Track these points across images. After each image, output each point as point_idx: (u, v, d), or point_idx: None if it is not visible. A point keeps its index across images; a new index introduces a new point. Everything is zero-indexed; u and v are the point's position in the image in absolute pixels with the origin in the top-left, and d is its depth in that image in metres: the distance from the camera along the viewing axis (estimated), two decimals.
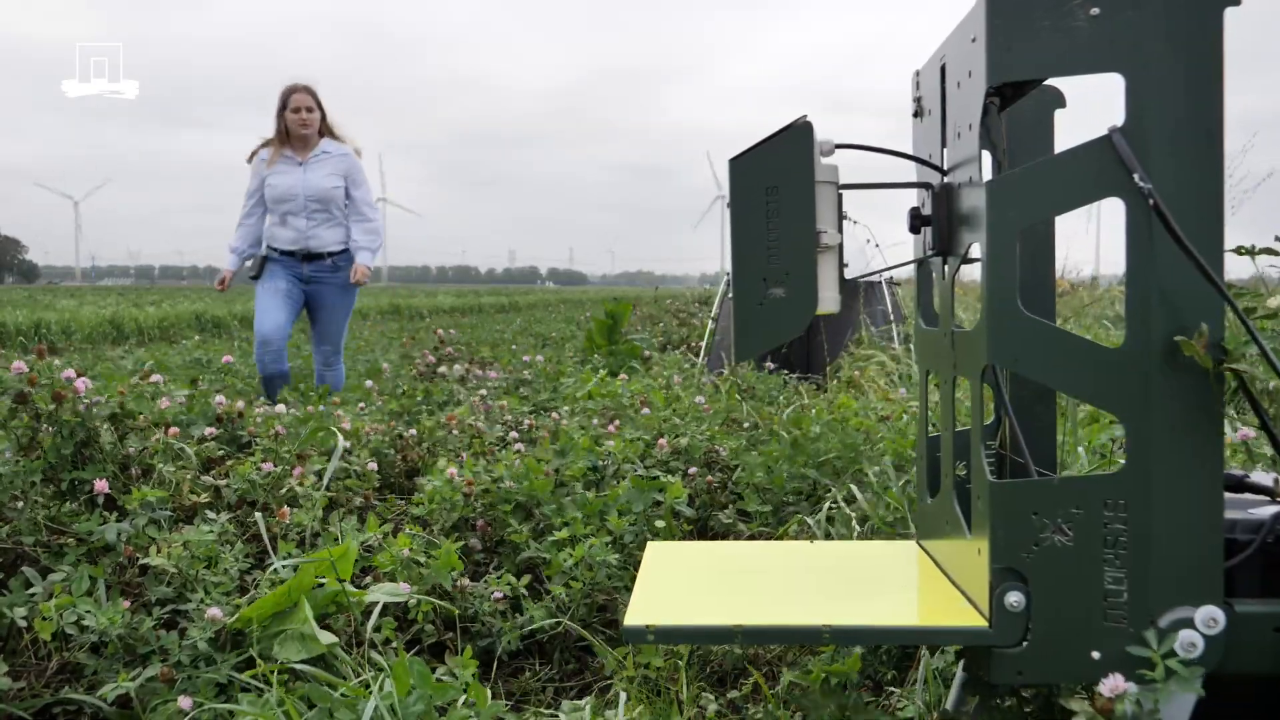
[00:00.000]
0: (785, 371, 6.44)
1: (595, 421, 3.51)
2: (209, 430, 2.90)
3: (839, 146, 1.44)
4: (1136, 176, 1.16)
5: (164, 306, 19.92)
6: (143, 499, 2.22)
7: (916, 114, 1.62)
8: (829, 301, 1.41)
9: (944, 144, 1.47)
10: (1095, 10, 1.19)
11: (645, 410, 3.76)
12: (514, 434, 3.41)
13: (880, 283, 6.79)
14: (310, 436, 2.99)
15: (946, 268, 1.45)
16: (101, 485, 2.24)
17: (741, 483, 2.91)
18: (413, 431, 3.29)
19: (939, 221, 1.44)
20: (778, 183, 1.39)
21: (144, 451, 2.55)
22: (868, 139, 1.93)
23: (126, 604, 1.88)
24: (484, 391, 3.75)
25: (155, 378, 3.10)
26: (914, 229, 1.51)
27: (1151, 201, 1.15)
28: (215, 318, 17.22)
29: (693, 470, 3.08)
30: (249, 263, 5.04)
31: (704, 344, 6.90)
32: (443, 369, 4.31)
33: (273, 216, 5.04)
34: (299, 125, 4.94)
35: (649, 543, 1.76)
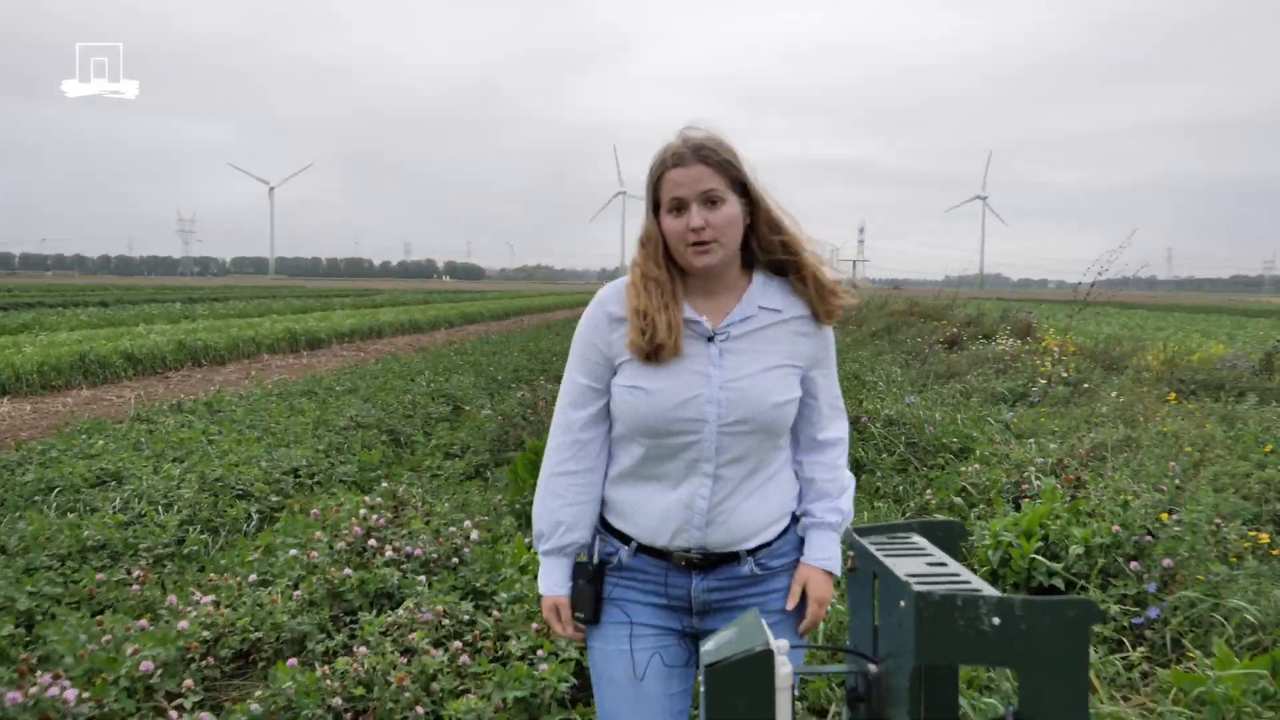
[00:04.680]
0: None
1: (535, 626, 3.79)
2: None
3: (795, 646, 1.76)
4: None
5: (40, 342, 18.28)
6: None
7: (852, 570, 1.96)
8: None
9: (875, 636, 1.81)
10: (996, 620, 1.54)
11: None
12: (457, 644, 3.64)
13: None
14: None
15: None
16: None
17: None
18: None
19: (872, 704, 1.78)
20: (746, 692, 1.70)
21: None
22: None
23: None
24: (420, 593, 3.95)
25: None
26: (851, 706, 1.84)
27: None
28: (100, 356, 16.25)
29: None
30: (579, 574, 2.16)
31: None
32: (373, 541, 4.49)
33: (629, 454, 2.13)
34: (694, 250, 2.01)
35: None
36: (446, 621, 3.67)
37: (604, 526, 2.20)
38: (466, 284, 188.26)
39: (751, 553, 2.14)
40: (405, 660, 3.26)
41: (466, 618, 3.83)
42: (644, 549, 2.14)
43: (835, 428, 2.22)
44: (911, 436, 7.69)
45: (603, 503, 2.20)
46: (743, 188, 2.05)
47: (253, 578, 4.10)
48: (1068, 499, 5.07)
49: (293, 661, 3.21)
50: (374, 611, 3.90)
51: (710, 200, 2.00)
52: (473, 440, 8.71)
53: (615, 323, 2.11)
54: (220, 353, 18.99)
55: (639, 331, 2.02)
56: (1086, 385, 9.66)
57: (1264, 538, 4.26)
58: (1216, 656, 3.08)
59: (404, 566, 4.27)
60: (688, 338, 2.07)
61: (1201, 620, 3.67)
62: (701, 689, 1.72)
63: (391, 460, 8.30)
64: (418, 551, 4.31)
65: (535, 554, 4.57)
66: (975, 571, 4.03)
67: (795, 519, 2.22)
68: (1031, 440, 6.99)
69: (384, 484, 6.17)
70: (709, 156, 2.01)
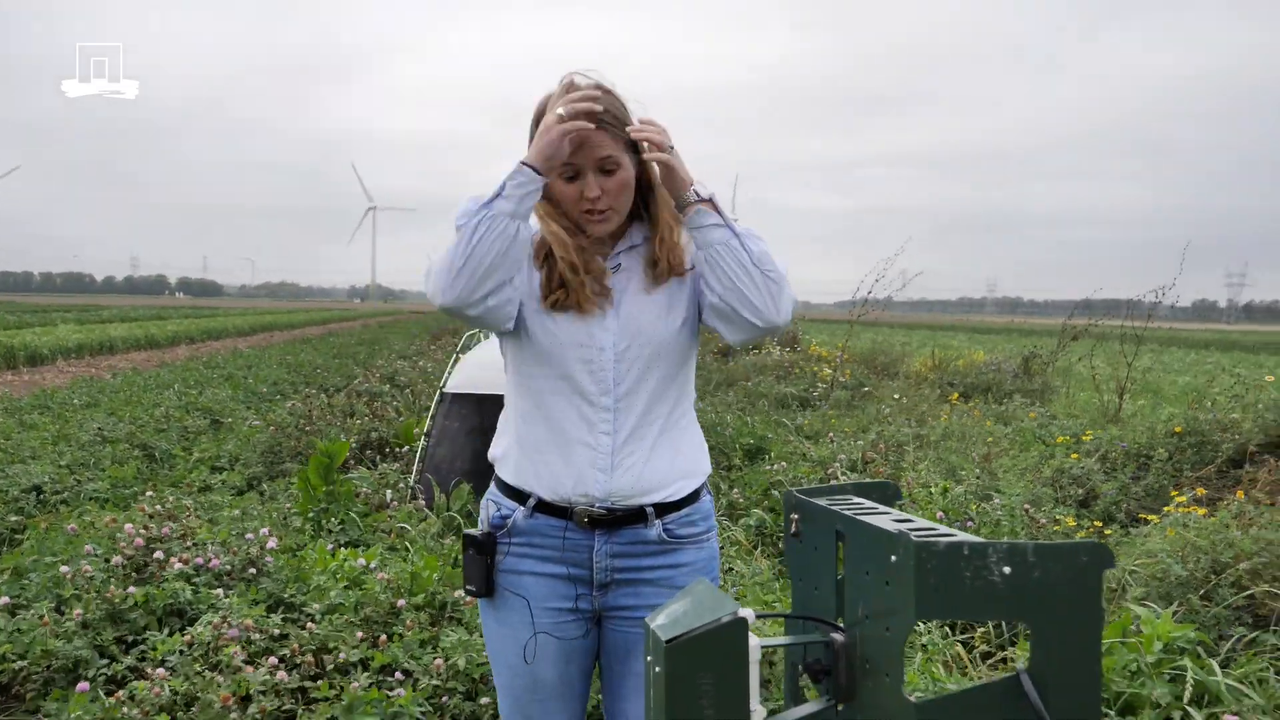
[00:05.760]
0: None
1: (360, 635, 3.40)
2: None
3: (759, 615, 1.56)
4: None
5: None
6: None
7: (795, 535, 1.78)
8: None
9: (839, 596, 1.64)
10: (1007, 569, 1.40)
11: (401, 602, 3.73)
12: (274, 660, 3.20)
13: None
14: None
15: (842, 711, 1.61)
16: None
17: None
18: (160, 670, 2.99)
19: (838, 674, 1.60)
20: (714, 667, 1.48)
21: None
22: None
23: None
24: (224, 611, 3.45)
25: None
26: (815, 679, 1.65)
27: None
28: None
29: None
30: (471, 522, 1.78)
31: (416, 459, 6.83)
32: (158, 553, 3.89)
33: (526, 398, 2.01)
34: (589, 218, 1.94)
35: None
36: (256, 637, 3.21)
37: (499, 488, 2.04)
38: (204, 301, 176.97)
39: (659, 514, 2.00)
40: (215, 679, 2.78)
41: (277, 632, 3.38)
42: (543, 507, 1.98)
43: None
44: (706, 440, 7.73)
45: (498, 462, 2.05)
46: (633, 145, 1.94)
47: (4, 600, 3.44)
48: None
49: (84, 686, 2.65)
50: (164, 630, 3.36)
51: (606, 169, 1.91)
52: (242, 452, 7.97)
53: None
54: None
55: (581, 285, 1.94)
56: (866, 389, 10.14)
57: (1070, 520, 4.49)
58: None
59: (195, 580, 3.72)
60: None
61: None
62: (655, 670, 1.48)
63: (148, 476, 7.45)
64: (214, 562, 3.77)
65: (344, 562, 4.15)
66: None
67: (705, 484, 2.12)
68: (831, 435, 7.17)
69: (149, 494, 5.46)
70: (606, 121, 1.90)
